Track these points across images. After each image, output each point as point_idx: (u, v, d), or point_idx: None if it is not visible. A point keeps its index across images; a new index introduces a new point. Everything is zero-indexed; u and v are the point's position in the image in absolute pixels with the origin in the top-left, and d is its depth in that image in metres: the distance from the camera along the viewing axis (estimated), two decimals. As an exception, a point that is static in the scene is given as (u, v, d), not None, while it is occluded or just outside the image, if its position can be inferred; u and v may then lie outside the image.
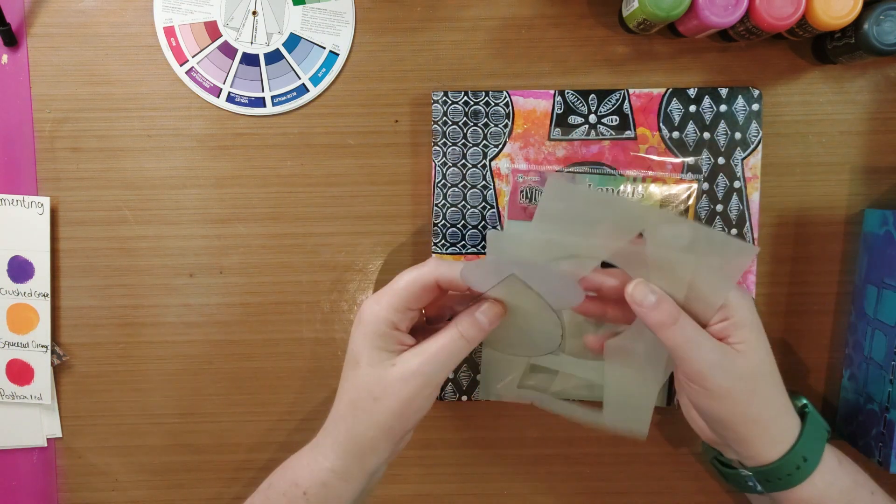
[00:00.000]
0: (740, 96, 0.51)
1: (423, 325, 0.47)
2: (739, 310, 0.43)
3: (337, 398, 0.44)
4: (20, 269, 0.53)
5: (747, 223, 0.51)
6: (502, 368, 0.53)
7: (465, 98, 0.51)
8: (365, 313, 0.43)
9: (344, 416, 0.44)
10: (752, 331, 0.43)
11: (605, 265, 0.45)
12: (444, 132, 0.52)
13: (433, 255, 0.52)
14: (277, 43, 0.52)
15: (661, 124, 0.51)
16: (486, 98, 0.51)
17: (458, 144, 0.52)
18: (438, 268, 0.43)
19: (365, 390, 0.43)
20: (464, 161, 0.52)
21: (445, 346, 0.43)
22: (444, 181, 0.52)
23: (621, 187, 0.51)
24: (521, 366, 0.53)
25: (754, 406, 0.43)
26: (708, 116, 0.51)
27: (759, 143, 0.51)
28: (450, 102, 0.51)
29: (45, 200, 0.52)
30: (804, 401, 0.46)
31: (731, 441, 0.45)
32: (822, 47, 0.51)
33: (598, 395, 0.53)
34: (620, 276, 0.45)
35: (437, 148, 0.52)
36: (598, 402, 0.54)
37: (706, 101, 0.51)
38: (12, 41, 0.52)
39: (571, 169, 0.51)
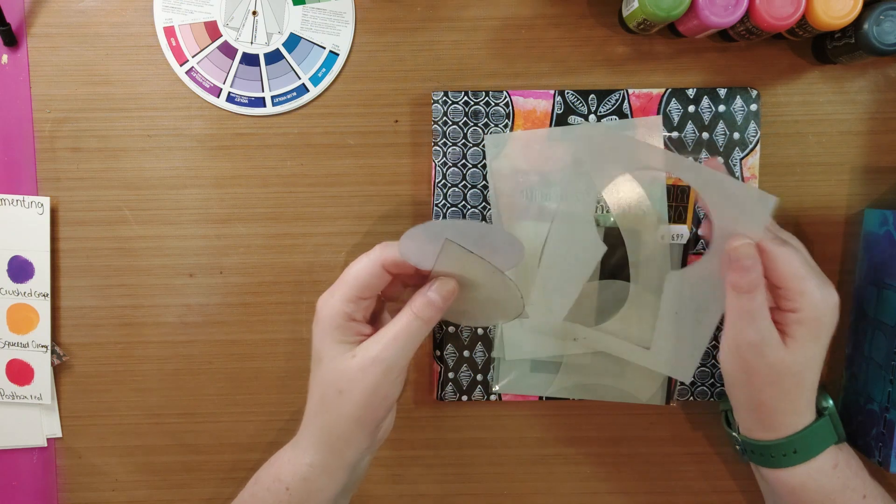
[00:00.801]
0: (739, 97, 0.51)
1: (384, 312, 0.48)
2: (809, 308, 0.43)
3: (308, 395, 0.45)
4: (20, 269, 0.53)
5: (747, 223, 0.51)
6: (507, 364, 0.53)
7: (465, 98, 0.51)
8: (321, 309, 0.44)
9: (316, 412, 0.44)
10: (808, 330, 0.43)
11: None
12: (444, 132, 0.52)
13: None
14: (277, 43, 0.52)
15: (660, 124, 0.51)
16: (486, 98, 0.51)
17: (458, 144, 0.52)
18: (383, 251, 0.43)
19: (330, 385, 0.43)
20: (464, 161, 0.52)
21: (402, 329, 0.43)
22: (444, 181, 0.52)
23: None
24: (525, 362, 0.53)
25: (769, 394, 0.44)
26: (707, 116, 0.51)
27: (757, 142, 0.51)
28: (450, 102, 0.51)
29: (45, 200, 0.52)
30: (829, 403, 0.46)
31: (734, 406, 0.47)
32: (822, 47, 0.51)
33: (596, 395, 0.53)
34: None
35: (437, 148, 0.52)
36: (597, 400, 0.54)
37: (705, 101, 0.51)
38: (12, 41, 0.52)
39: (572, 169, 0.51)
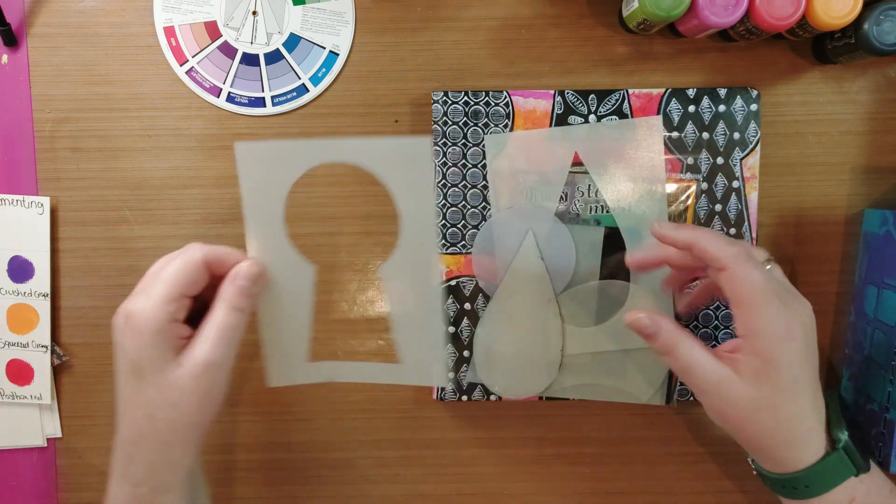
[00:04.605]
0: (739, 97, 0.51)
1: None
2: (762, 340, 0.41)
3: (125, 420, 0.42)
4: (20, 269, 0.53)
5: (746, 222, 0.51)
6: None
7: (466, 98, 0.51)
8: (136, 315, 0.40)
9: (145, 434, 0.41)
10: (765, 363, 0.41)
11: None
12: (444, 132, 0.52)
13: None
14: (277, 43, 0.52)
15: (660, 124, 0.51)
16: (486, 98, 0.51)
17: (458, 144, 0.52)
18: (203, 248, 0.42)
19: (160, 400, 0.40)
20: (464, 161, 0.52)
21: (225, 324, 0.41)
22: (444, 181, 0.52)
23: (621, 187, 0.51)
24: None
25: (751, 432, 0.42)
26: (707, 116, 0.51)
27: (757, 142, 0.51)
28: (450, 102, 0.51)
29: (45, 200, 0.52)
30: (843, 435, 0.43)
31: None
32: (822, 47, 0.51)
33: (596, 395, 0.53)
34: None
35: (438, 148, 0.52)
36: (597, 400, 0.54)
37: (705, 101, 0.51)
38: (12, 41, 0.52)
39: (572, 169, 0.51)
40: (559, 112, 0.51)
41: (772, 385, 0.41)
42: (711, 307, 0.52)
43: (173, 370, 0.40)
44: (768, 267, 0.43)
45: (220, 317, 0.41)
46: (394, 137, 0.46)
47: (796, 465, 0.43)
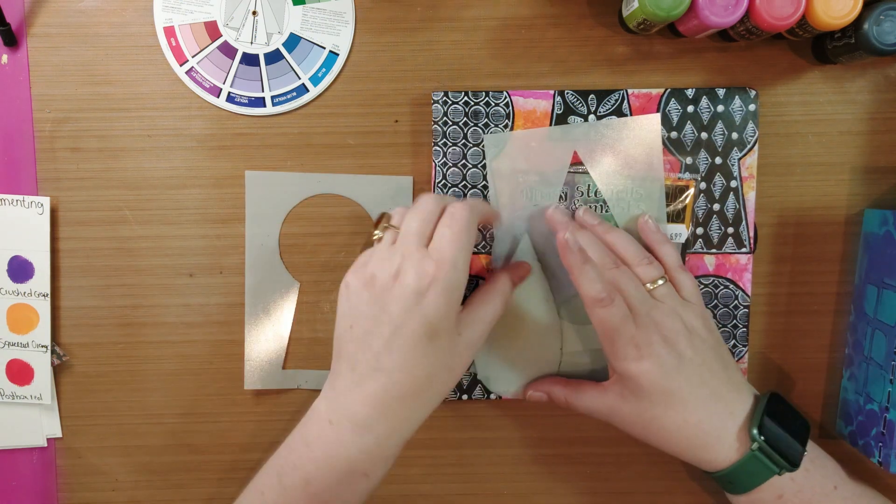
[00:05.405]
0: (737, 97, 0.51)
1: None
2: (617, 362, 0.46)
3: (399, 376, 0.41)
4: (20, 269, 0.53)
5: (743, 221, 0.52)
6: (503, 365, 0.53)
7: (466, 98, 0.51)
8: (447, 282, 0.41)
9: (418, 392, 0.42)
10: (626, 382, 0.46)
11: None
12: (444, 132, 0.52)
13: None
14: (277, 43, 0.52)
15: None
16: (486, 98, 0.51)
17: (459, 144, 0.52)
18: (478, 207, 0.45)
19: (442, 363, 0.42)
20: (464, 161, 0.52)
21: (496, 313, 0.45)
22: (444, 181, 0.52)
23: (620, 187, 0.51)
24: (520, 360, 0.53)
25: (657, 442, 0.46)
26: (706, 117, 0.51)
27: (755, 142, 0.51)
28: (450, 102, 0.51)
29: (45, 200, 0.52)
30: (759, 438, 0.44)
31: None
32: (822, 47, 0.51)
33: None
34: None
35: (438, 148, 0.52)
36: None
37: (704, 101, 0.51)
38: (12, 41, 0.52)
39: (572, 169, 0.51)
40: (559, 112, 0.51)
41: (644, 399, 0.45)
42: (709, 306, 0.52)
43: (455, 336, 0.43)
44: (659, 283, 0.47)
45: (493, 305, 0.45)
46: (379, 176, 0.53)
47: (714, 466, 0.45)
